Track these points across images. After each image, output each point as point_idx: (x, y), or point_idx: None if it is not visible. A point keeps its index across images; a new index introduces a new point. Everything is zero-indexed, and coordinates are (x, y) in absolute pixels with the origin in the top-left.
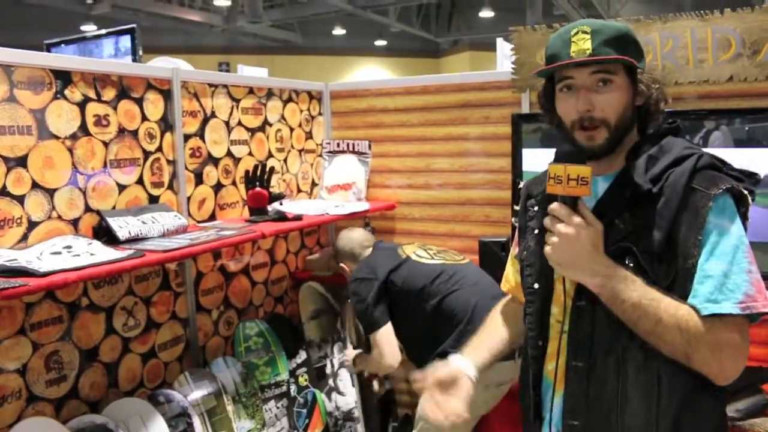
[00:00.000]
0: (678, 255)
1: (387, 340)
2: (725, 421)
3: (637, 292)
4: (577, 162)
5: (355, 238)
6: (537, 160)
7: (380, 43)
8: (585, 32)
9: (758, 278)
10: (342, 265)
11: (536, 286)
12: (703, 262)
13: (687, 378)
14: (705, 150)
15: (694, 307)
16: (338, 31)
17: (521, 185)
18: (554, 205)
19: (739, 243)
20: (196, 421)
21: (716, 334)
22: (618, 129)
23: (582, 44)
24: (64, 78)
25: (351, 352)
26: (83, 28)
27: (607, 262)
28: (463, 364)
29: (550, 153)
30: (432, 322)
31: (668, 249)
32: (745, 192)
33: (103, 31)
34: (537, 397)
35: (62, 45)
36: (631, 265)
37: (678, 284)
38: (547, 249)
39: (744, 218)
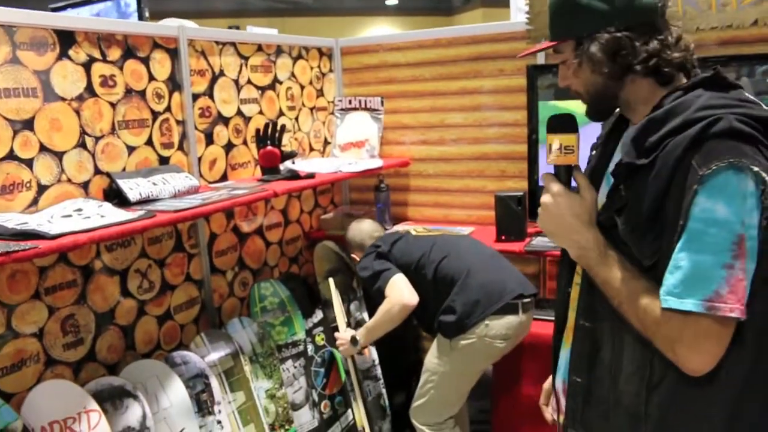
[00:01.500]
0: (663, 235)
1: (405, 283)
2: (755, 415)
3: (605, 270)
4: (567, 128)
5: (364, 229)
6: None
7: (391, 2)
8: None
9: (740, 277)
10: (353, 256)
11: None
12: (677, 251)
13: None
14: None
15: (660, 296)
16: None
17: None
18: (542, 175)
19: (729, 233)
20: (214, 382)
21: (671, 330)
22: (595, 98)
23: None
24: (67, 38)
25: (346, 333)
26: None
27: (588, 234)
28: None
29: (567, 105)
30: (434, 289)
31: (653, 227)
32: (761, 171)
33: None
34: (557, 344)
35: (67, 9)
36: (618, 239)
37: (660, 266)
38: (538, 219)
39: (763, 201)
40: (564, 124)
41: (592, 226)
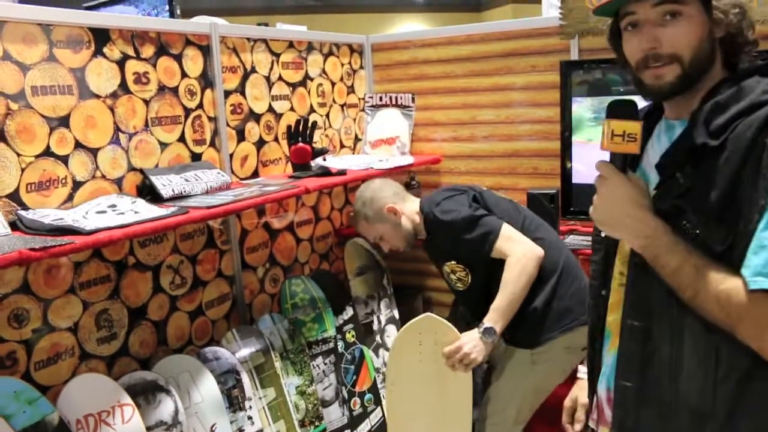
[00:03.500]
0: (739, 218)
1: (517, 234)
2: None
3: (677, 258)
4: (630, 115)
5: (383, 188)
6: (587, 108)
7: None
8: None
9: None
10: (379, 230)
11: (603, 233)
12: (761, 230)
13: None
14: None
15: (744, 279)
16: None
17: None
18: (599, 163)
19: None
20: (245, 378)
21: (762, 311)
22: (693, 65)
23: None
24: (102, 36)
25: (467, 335)
26: None
27: (653, 223)
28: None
29: (600, 101)
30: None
31: (727, 210)
32: None
33: None
34: (594, 349)
35: (101, 8)
36: (686, 225)
37: (737, 249)
38: (591, 209)
39: None
40: (628, 110)
41: (654, 215)
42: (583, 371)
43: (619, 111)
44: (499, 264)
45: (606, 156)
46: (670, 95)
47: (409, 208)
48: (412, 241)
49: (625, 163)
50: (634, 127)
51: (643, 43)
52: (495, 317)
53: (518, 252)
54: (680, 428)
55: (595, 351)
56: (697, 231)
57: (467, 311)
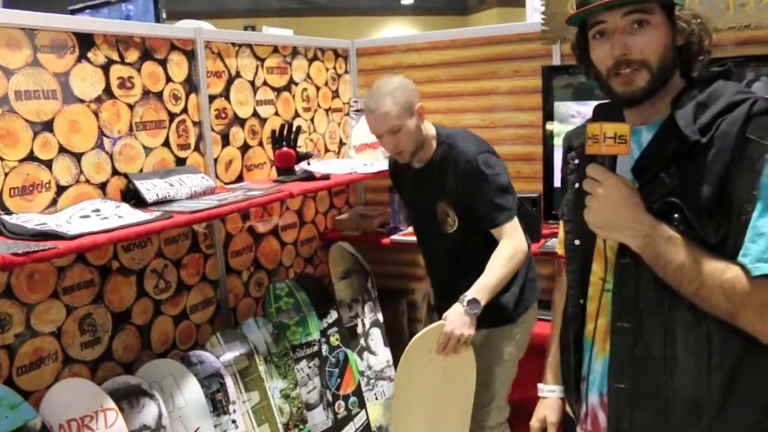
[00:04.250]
0: (731, 210)
1: (520, 227)
2: None
3: (680, 253)
4: (616, 119)
5: (404, 84)
6: (569, 113)
7: (407, 1)
8: None
9: None
10: (401, 121)
11: (577, 242)
12: (756, 218)
13: (741, 333)
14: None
15: (743, 267)
16: None
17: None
18: (590, 166)
19: None
20: (229, 381)
21: (765, 296)
22: (660, 70)
23: None
24: (86, 41)
25: (450, 313)
26: None
27: (650, 221)
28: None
29: (582, 106)
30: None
31: (719, 204)
32: None
33: None
34: (578, 359)
35: (86, 11)
36: (678, 222)
37: (730, 241)
38: (586, 212)
39: None
40: (614, 113)
41: (649, 214)
42: (547, 389)
43: (607, 114)
44: (483, 239)
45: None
46: (642, 99)
47: (427, 123)
48: (417, 152)
49: (614, 166)
50: (624, 129)
51: (614, 49)
52: (481, 292)
53: (517, 242)
54: (676, 423)
55: (573, 361)
56: (688, 226)
57: (435, 282)
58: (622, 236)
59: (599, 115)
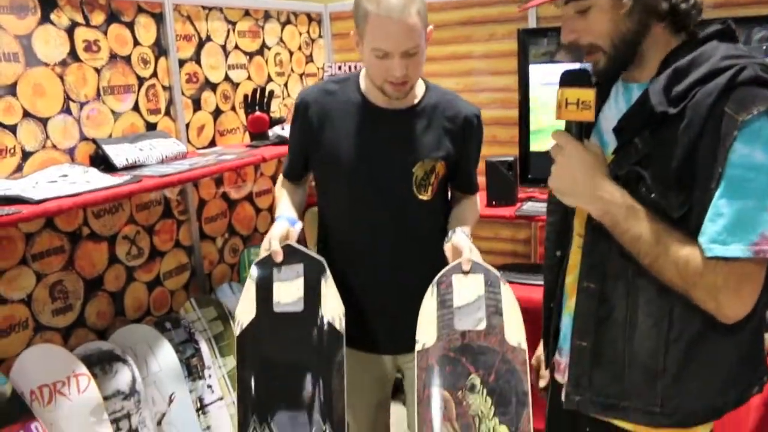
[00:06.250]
0: (696, 186)
1: None
2: (757, 351)
3: (639, 225)
4: (584, 82)
5: None
6: (545, 76)
7: None
8: None
9: None
10: (422, 42)
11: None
12: (718, 198)
13: (704, 309)
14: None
15: (700, 246)
16: None
17: None
18: (555, 132)
19: None
20: (204, 347)
21: (717, 278)
22: (617, 48)
23: None
24: (48, 1)
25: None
26: None
27: (611, 190)
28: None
29: (559, 69)
30: None
31: (684, 178)
32: None
33: None
34: (550, 311)
35: None
36: (644, 191)
37: (693, 217)
38: (549, 178)
39: None
40: (580, 78)
41: (612, 181)
42: None
43: (573, 79)
44: (437, 212)
45: (561, 125)
46: (614, 76)
47: None
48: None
49: (581, 131)
50: (588, 94)
51: (563, 36)
52: (467, 233)
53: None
54: (632, 385)
55: (551, 311)
56: (653, 196)
57: (363, 271)
58: (581, 202)
59: (566, 79)
